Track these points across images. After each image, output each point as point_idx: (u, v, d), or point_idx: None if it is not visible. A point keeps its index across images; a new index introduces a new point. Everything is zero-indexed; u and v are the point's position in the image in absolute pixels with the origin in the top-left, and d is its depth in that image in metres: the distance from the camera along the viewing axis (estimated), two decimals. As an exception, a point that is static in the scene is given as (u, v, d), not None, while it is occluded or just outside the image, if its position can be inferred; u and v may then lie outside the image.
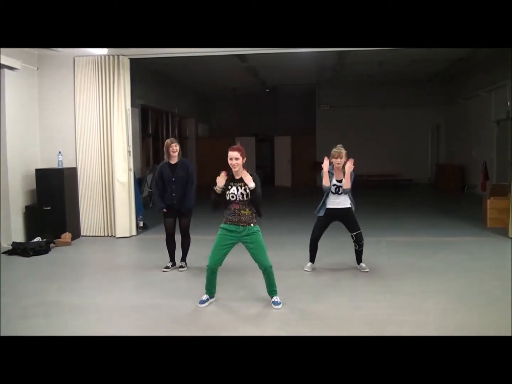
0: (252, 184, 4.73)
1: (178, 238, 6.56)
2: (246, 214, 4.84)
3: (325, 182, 5.99)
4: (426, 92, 17.51)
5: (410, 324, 4.42)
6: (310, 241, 6.32)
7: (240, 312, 4.83)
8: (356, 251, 6.31)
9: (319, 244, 6.35)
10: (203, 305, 4.97)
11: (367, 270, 6.23)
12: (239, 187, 4.81)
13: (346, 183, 5.96)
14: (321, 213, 6.13)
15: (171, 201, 6.27)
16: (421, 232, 8.86)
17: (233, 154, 4.75)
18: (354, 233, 6.14)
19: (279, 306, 4.89)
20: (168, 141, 6.31)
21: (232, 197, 4.81)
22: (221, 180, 4.78)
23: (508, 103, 11.47)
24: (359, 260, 6.35)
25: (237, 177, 4.84)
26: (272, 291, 5.01)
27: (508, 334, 3.94)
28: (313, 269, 6.34)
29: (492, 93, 13.08)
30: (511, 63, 8.01)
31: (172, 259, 6.61)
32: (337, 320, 4.57)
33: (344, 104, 18.16)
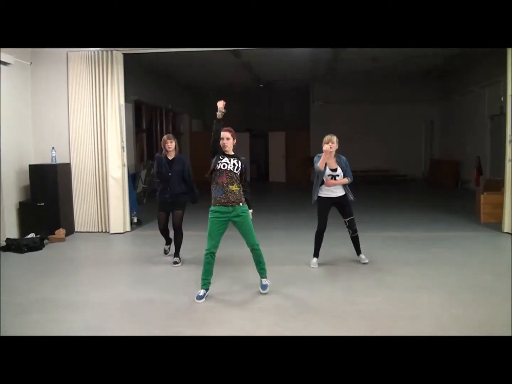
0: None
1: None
2: (234, 190, 4.90)
3: (321, 164, 5.92)
4: (420, 88, 17.54)
5: (405, 318, 4.44)
6: (317, 233, 6.31)
7: (236, 307, 4.83)
8: (351, 238, 6.35)
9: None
10: (201, 301, 4.94)
11: (367, 261, 6.32)
12: (231, 159, 4.97)
13: (343, 181, 6.09)
14: (315, 197, 6.17)
15: (164, 195, 6.36)
16: (415, 227, 8.89)
17: (224, 134, 5.00)
18: (347, 219, 6.23)
19: (266, 291, 5.09)
20: (164, 137, 6.48)
21: (224, 166, 4.90)
22: (220, 104, 5.08)
23: (502, 98, 11.49)
24: (358, 251, 6.40)
25: (229, 154, 5.04)
26: (261, 269, 5.16)
27: (508, 333, 3.94)
28: (319, 265, 6.31)
29: (486, 89, 13.13)
30: (505, 59, 8.02)
31: (168, 242, 6.84)
32: (332, 315, 4.58)
33: (339, 99, 18.16)
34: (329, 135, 6.11)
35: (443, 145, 17.92)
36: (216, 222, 4.91)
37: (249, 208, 5.07)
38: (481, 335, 3.93)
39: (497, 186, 9.28)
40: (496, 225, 8.40)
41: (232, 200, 4.88)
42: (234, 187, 4.89)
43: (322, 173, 6.04)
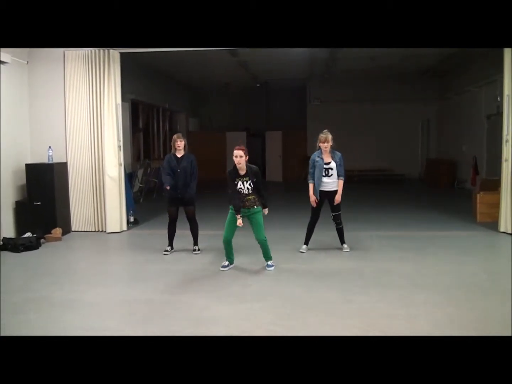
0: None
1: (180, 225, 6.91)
2: (250, 199, 5.84)
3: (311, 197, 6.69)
4: (417, 87, 17.55)
5: (401, 317, 4.45)
6: (309, 224, 6.88)
7: (233, 306, 4.83)
8: (336, 229, 6.92)
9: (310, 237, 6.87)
10: (225, 269, 5.98)
11: (348, 250, 6.89)
12: (244, 182, 5.80)
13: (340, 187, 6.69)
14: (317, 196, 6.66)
15: (175, 191, 6.70)
16: (411, 226, 8.91)
17: (238, 153, 5.73)
18: (334, 214, 6.80)
19: (271, 269, 5.97)
20: (175, 136, 6.88)
21: (240, 191, 5.79)
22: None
23: (498, 98, 11.53)
24: (341, 240, 6.96)
25: (241, 173, 5.80)
26: (266, 257, 6.06)
27: (505, 333, 3.95)
28: (308, 249, 6.92)
29: (483, 89, 13.15)
30: (502, 59, 8.04)
31: (170, 243, 6.99)
32: (328, 313, 4.59)
33: (335, 99, 18.16)
34: (323, 133, 6.58)
35: (440, 144, 17.94)
36: (233, 216, 5.79)
37: (265, 207, 6.04)
38: (477, 335, 3.94)
39: (494, 185, 9.31)
40: (492, 224, 8.42)
41: (248, 204, 5.85)
42: (250, 197, 5.85)
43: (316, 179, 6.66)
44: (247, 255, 6.57)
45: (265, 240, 5.94)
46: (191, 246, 7.01)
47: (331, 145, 6.55)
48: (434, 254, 6.82)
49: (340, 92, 18.05)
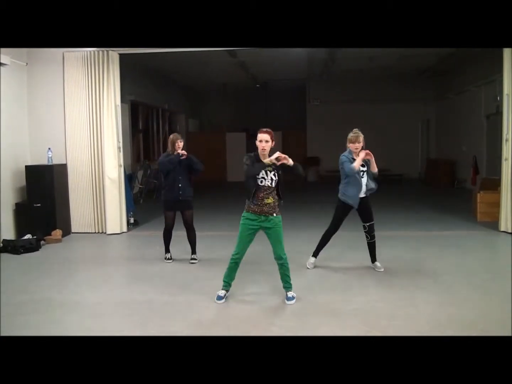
0: (291, 162, 4.68)
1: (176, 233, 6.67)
2: (269, 203, 4.71)
3: (357, 165, 5.65)
4: (417, 87, 17.54)
5: (401, 317, 4.44)
6: (327, 233, 6.00)
7: (232, 307, 4.83)
8: (368, 243, 5.99)
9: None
10: (220, 301, 4.85)
11: (382, 269, 5.94)
12: (268, 172, 4.70)
13: (373, 167, 5.88)
14: (349, 202, 5.80)
15: (176, 192, 6.26)
16: (412, 226, 8.90)
17: (262, 136, 4.66)
18: (367, 224, 5.90)
19: (292, 302, 4.84)
20: (173, 137, 6.41)
21: (261, 182, 4.68)
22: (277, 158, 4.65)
23: (498, 97, 11.53)
24: (373, 257, 6.02)
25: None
26: (286, 283, 4.94)
27: (504, 332, 3.95)
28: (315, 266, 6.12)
29: (482, 88, 13.15)
30: (501, 59, 8.05)
31: (167, 251, 6.65)
32: (328, 314, 4.58)
33: (335, 99, 18.16)
34: (354, 132, 5.80)
35: (439, 144, 17.94)
36: (246, 229, 4.78)
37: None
38: (477, 335, 3.94)
39: (494, 185, 9.31)
40: (493, 224, 8.42)
41: (266, 210, 4.72)
42: (269, 200, 4.72)
43: (357, 171, 5.72)
44: (247, 256, 6.55)
45: (285, 258, 4.86)
46: (198, 245, 6.87)
47: (362, 146, 5.75)
48: (434, 254, 6.82)
49: (340, 92, 18.04)
